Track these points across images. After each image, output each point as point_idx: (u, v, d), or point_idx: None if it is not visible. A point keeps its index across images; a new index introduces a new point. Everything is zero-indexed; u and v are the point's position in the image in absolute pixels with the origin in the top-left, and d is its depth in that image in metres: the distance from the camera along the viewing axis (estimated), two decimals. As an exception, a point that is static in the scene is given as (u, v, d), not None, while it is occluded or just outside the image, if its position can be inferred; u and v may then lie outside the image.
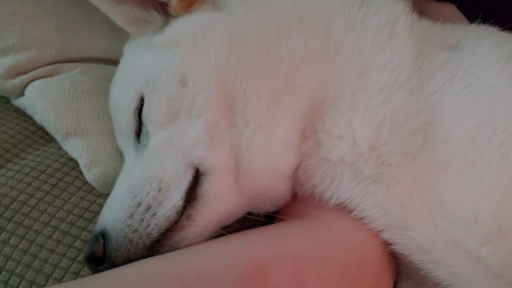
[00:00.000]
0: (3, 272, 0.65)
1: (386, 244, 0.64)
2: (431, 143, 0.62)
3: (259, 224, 0.68)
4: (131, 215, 0.60)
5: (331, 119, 0.66)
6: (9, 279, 0.65)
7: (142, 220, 0.59)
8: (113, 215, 0.61)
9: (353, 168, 0.65)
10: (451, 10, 0.98)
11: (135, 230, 0.59)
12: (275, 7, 0.69)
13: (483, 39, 0.70)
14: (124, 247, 0.59)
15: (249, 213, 0.70)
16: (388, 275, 0.64)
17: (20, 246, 0.67)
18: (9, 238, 0.68)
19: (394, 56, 0.67)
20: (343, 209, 0.66)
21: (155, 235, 0.59)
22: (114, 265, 0.59)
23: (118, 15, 0.78)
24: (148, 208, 0.60)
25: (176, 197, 0.60)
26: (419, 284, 0.67)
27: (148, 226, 0.59)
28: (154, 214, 0.59)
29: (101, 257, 0.60)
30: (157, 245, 0.60)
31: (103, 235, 0.60)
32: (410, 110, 0.64)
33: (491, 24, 0.76)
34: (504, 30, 0.74)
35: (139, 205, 0.60)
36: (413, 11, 0.73)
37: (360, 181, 0.64)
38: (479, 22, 0.77)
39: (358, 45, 0.67)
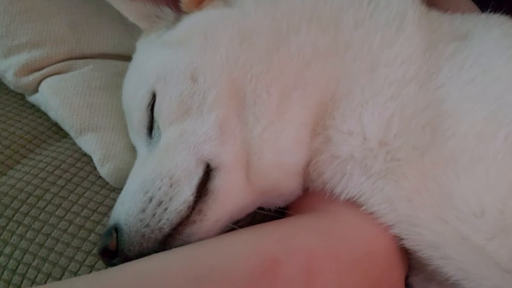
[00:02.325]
0: (20, 265, 0.67)
1: (397, 239, 0.64)
2: (440, 137, 0.62)
3: (270, 219, 0.69)
4: (143, 210, 0.61)
5: (341, 115, 0.66)
6: (26, 272, 0.66)
7: (154, 215, 0.60)
8: (125, 210, 0.62)
9: (363, 164, 0.65)
10: (463, 0, 0.97)
11: (147, 225, 0.60)
12: (285, 3, 0.69)
13: (492, 29, 0.69)
14: (136, 241, 0.60)
15: (260, 208, 0.70)
16: (399, 269, 0.65)
17: (37, 240, 0.69)
18: (26, 232, 0.70)
19: (402, 50, 0.67)
20: (354, 204, 0.66)
21: (166, 229, 0.60)
22: (127, 259, 0.60)
23: (130, 11, 0.78)
24: (160, 203, 0.60)
25: (187, 192, 0.61)
26: (429, 278, 0.67)
27: (159, 220, 0.60)
28: (166, 209, 0.60)
29: (114, 251, 0.60)
30: (169, 240, 0.61)
31: (116, 229, 0.61)
32: (419, 104, 0.64)
33: (502, 13, 0.75)
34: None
35: (150, 200, 0.61)
36: (422, 3, 0.72)
37: (369, 176, 0.64)
38: (490, 12, 0.76)
39: (367, 40, 0.67)
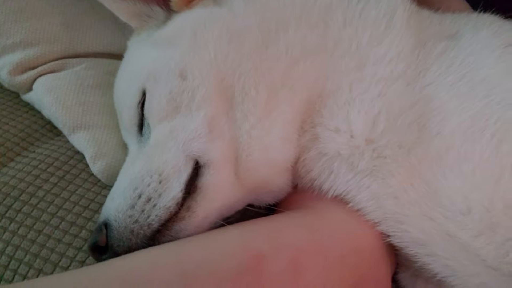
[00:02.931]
0: (13, 261, 0.67)
1: (384, 235, 0.64)
2: (426, 135, 0.62)
3: (260, 216, 0.69)
4: (132, 206, 0.61)
5: (329, 112, 0.66)
6: (18, 267, 0.67)
7: (142, 211, 0.61)
8: (115, 206, 0.62)
9: (349, 162, 0.65)
10: (455, -1, 0.97)
11: (136, 221, 0.61)
12: (274, 2, 0.69)
13: (482, 29, 0.69)
14: (125, 237, 0.60)
15: (250, 205, 0.71)
16: (386, 266, 0.65)
17: (29, 236, 0.69)
18: (18, 229, 0.70)
19: (391, 48, 0.67)
20: (341, 201, 0.67)
21: (155, 225, 0.61)
22: (116, 254, 0.60)
23: (121, 11, 0.79)
24: (149, 199, 0.61)
25: (175, 189, 0.61)
26: (417, 275, 0.67)
27: (148, 217, 0.60)
28: (154, 206, 0.61)
29: (104, 247, 0.61)
30: (158, 235, 0.61)
31: (106, 225, 0.62)
32: (406, 102, 0.64)
33: (493, 12, 0.75)
34: (506, 18, 0.73)
35: (140, 196, 0.61)
36: (412, 2, 0.73)
37: (356, 174, 0.65)
38: (481, 11, 0.76)
39: (356, 38, 0.68)
